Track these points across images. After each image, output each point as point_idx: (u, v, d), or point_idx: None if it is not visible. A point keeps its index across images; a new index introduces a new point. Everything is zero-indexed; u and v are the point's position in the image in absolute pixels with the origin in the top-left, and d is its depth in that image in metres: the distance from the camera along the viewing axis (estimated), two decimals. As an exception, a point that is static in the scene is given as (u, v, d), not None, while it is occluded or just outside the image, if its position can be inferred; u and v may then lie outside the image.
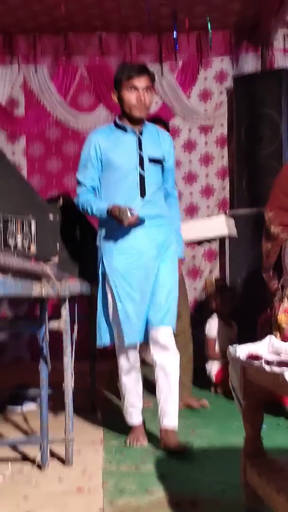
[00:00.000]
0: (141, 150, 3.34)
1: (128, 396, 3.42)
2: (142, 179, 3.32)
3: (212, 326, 4.91)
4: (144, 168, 3.33)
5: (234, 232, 5.64)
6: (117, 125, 3.40)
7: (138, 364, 3.40)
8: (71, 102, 6.61)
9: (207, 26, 6.09)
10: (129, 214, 3.12)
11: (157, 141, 3.42)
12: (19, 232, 2.52)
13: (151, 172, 3.35)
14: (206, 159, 6.63)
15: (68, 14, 5.63)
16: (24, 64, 6.52)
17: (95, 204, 3.28)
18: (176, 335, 3.43)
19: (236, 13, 6.13)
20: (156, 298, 3.30)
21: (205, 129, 6.64)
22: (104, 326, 3.39)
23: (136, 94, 3.29)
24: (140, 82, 3.28)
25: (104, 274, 3.34)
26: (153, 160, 3.36)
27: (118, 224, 3.19)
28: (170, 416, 3.29)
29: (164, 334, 3.30)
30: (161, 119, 4.46)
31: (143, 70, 3.31)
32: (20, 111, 6.62)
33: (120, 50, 6.48)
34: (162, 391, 3.31)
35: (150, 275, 3.29)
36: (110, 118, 6.51)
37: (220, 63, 6.60)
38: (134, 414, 3.44)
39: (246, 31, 6.43)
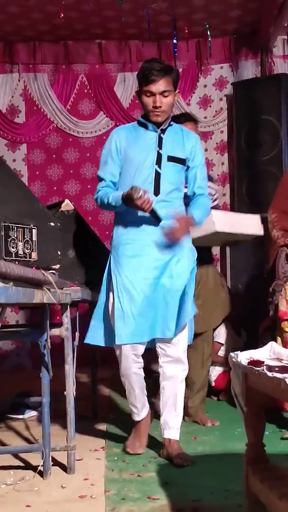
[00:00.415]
0: (160, 148, 3.28)
1: (128, 396, 3.38)
2: (157, 176, 3.26)
3: (221, 332, 4.83)
4: (161, 166, 3.27)
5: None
6: (140, 123, 3.37)
7: (135, 368, 3.29)
8: (71, 109, 6.64)
9: (207, 33, 6.11)
10: (141, 192, 3.05)
11: (179, 141, 3.34)
12: (20, 239, 2.52)
13: (169, 171, 3.28)
14: (207, 166, 6.56)
15: (68, 22, 5.65)
16: (24, 72, 6.56)
17: (111, 194, 3.24)
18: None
19: (235, 20, 6.16)
20: (169, 305, 3.19)
21: (205, 136, 6.65)
22: (98, 324, 3.34)
23: (153, 100, 3.22)
24: (157, 86, 3.21)
25: (109, 270, 3.30)
26: (173, 159, 3.29)
27: (131, 218, 3.20)
28: (173, 430, 3.25)
29: (177, 347, 3.24)
30: (190, 116, 4.33)
31: (160, 73, 3.21)
32: (21, 118, 6.64)
33: (120, 57, 6.51)
34: (166, 403, 3.27)
35: (154, 277, 3.20)
36: (110, 125, 6.55)
37: (220, 70, 6.63)
38: (134, 413, 3.40)
39: (246, 38, 6.46)
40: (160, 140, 3.30)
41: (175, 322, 3.17)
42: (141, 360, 3.31)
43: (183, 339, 3.26)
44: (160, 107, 3.23)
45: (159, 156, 3.28)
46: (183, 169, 3.35)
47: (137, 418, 3.39)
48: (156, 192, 3.24)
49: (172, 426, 3.25)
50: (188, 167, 3.36)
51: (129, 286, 3.20)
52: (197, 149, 3.40)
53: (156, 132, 3.31)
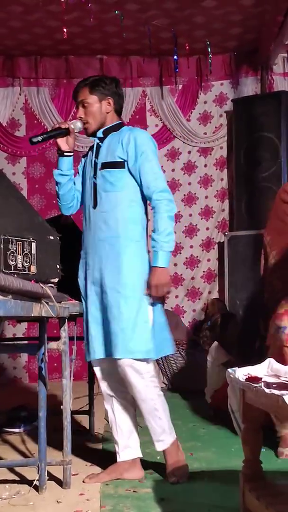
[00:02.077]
0: (97, 158, 3.20)
1: (111, 427, 3.23)
2: (95, 188, 3.18)
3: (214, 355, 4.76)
4: (97, 176, 3.17)
5: None
6: None
7: (108, 389, 3.19)
8: (71, 123, 6.66)
9: (207, 50, 6.16)
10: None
11: (116, 144, 3.16)
12: (19, 252, 2.52)
13: (103, 180, 3.14)
14: (206, 181, 6.67)
15: (70, 37, 5.69)
16: (25, 86, 6.60)
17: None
18: None
19: (236, 38, 6.21)
20: (105, 322, 3.09)
21: (204, 151, 6.69)
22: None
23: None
24: (76, 100, 3.23)
25: None
26: (106, 166, 3.15)
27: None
28: (155, 442, 3.14)
29: (122, 366, 3.06)
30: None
31: (77, 87, 3.24)
32: (21, 132, 6.67)
33: (121, 73, 6.54)
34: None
35: (96, 292, 3.13)
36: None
37: (220, 87, 6.68)
38: (116, 450, 3.19)
39: (246, 55, 6.52)
40: (97, 149, 3.22)
41: (112, 340, 3.05)
42: (113, 383, 3.18)
43: (124, 359, 3.06)
44: (81, 117, 3.21)
45: (95, 166, 3.19)
46: (124, 172, 3.13)
47: (117, 458, 3.18)
48: (94, 204, 3.17)
49: (153, 439, 3.16)
50: (129, 169, 3.14)
51: (83, 305, 3.21)
52: (136, 145, 3.11)
53: (94, 143, 3.25)
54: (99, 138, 3.23)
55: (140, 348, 3.03)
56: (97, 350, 3.12)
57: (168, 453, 3.13)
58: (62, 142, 3.23)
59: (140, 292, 3.07)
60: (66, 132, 3.20)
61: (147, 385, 3.09)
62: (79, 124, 3.21)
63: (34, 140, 3.14)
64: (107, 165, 3.15)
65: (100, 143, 3.22)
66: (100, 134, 3.22)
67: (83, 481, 3.07)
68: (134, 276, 3.08)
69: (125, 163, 3.13)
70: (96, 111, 3.20)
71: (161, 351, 3.18)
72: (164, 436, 3.13)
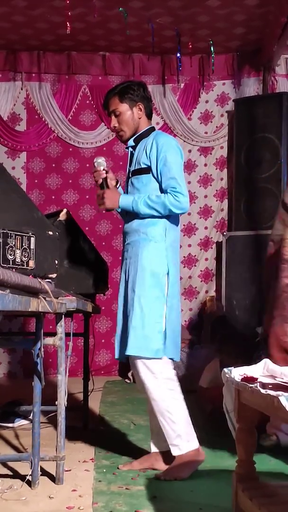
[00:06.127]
0: (130, 166, 3.31)
1: None
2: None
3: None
4: (129, 183, 3.30)
5: None
6: None
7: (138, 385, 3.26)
8: (72, 119, 6.67)
9: (210, 50, 6.16)
10: (96, 162, 3.25)
11: (142, 151, 3.24)
12: (18, 247, 2.52)
13: (133, 187, 3.25)
14: (206, 180, 6.67)
15: (73, 33, 5.69)
16: (27, 80, 6.59)
17: None
18: None
19: (239, 38, 6.21)
20: (127, 323, 3.16)
21: (205, 151, 6.69)
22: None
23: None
24: (108, 110, 3.31)
25: None
26: (135, 173, 3.23)
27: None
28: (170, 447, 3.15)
29: (134, 364, 3.16)
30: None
31: (107, 97, 3.31)
32: (22, 126, 6.67)
33: (124, 70, 6.55)
34: None
35: (122, 292, 3.25)
36: (110, 136, 6.58)
37: (222, 86, 6.69)
38: None
39: (249, 55, 6.52)
40: (131, 158, 3.32)
41: (128, 336, 3.11)
42: (137, 378, 3.20)
43: (134, 356, 3.13)
44: (115, 127, 3.29)
45: (129, 174, 3.30)
46: (149, 177, 3.19)
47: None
48: (129, 211, 3.24)
49: (168, 443, 3.17)
50: (153, 174, 3.20)
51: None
52: (157, 150, 3.16)
53: (128, 151, 3.35)
54: (132, 147, 3.30)
55: (150, 346, 3.07)
56: (116, 350, 3.25)
57: (179, 459, 3.11)
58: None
59: (155, 292, 3.12)
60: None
61: (159, 386, 3.11)
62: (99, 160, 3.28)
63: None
64: (135, 172, 3.24)
65: (133, 151, 3.30)
66: (131, 143, 3.30)
67: (117, 468, 3.17)
68: (149, 277, 3.13)
69: (150, 168, 3.19)
70: (128, 119, 3.27)
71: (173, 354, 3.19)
72: (179, 441, 3.11)
